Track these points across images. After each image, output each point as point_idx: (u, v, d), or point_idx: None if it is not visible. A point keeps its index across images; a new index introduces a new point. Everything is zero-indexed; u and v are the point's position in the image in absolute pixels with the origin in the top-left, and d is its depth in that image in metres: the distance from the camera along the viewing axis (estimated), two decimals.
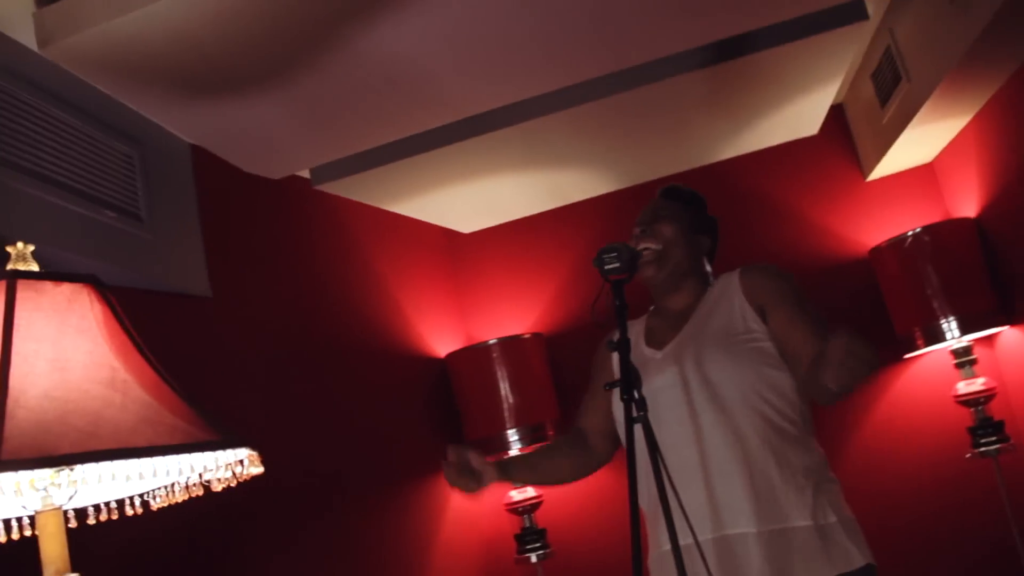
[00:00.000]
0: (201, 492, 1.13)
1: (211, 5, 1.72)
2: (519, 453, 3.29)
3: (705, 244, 2.07)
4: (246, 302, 2.52)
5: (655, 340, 2.01)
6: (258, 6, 1.75)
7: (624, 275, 1.79)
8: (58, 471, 0.97)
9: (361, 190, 2.93)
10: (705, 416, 1.83)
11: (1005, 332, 3.09)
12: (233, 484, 1.08)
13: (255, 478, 2.28)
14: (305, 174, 2.81)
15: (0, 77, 1.81)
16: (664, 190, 2.16)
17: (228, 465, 1.03)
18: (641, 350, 2.00)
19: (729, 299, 1.94)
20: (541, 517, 3.28)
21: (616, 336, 1.72)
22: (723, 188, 3.44)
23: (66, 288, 1.04)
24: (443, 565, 3.04)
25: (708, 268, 2.08)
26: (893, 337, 3.18)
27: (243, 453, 1.04)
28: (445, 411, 3.34)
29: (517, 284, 3.59)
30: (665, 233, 2.00)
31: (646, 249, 1.99)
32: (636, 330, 2.07)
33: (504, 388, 3.25)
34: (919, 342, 3.08)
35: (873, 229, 3.31)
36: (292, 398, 2.57)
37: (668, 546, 1.66)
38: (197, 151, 2.45)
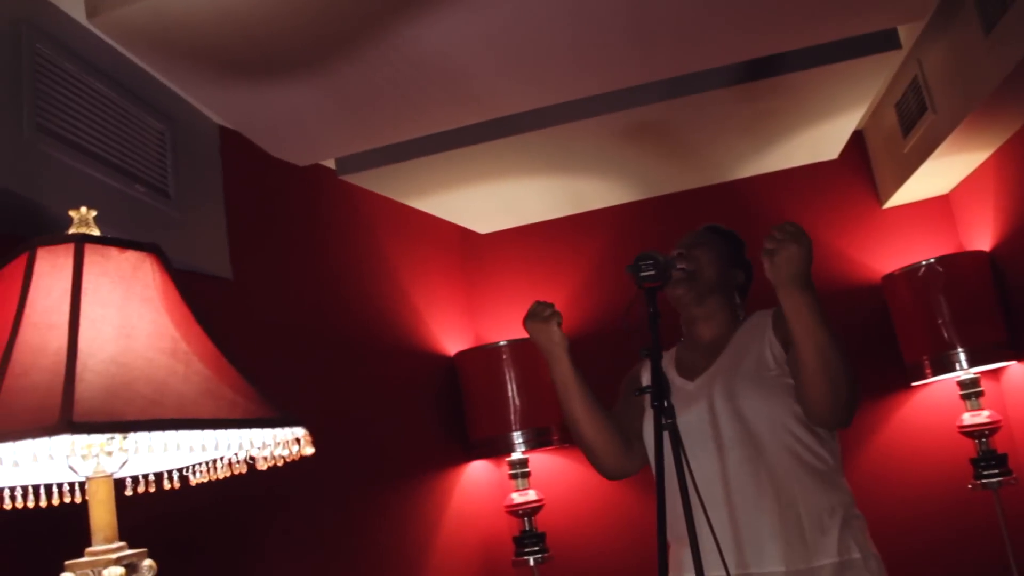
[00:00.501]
0: (245, 470, 1.13)
1: None
2: (520, 456, 3.29)
3: (738, 278, 2.06)
4: (264, 287, 2.52)
5: (686, 370, 2.00)
6: None
7: (658, 283, 1.79)
8: (111, 438, 0.97)
9: (383, 183, 2.94)
10: (733, 452, 1.82)
11: (1012, 367, 3.11)
12: (280, 464, 1.07)
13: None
14: (330, 164, 2.81)
15: (45, 45, 1.80)
16: (706, 226, 2.15)
17: (285, 443, 1.03)
18: (672, 379, 1.98)
19: (761, 335, 1.93)
20: (541, 521, 3.28)
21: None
22: (741, 206, 3.46)
23: (131, 255, 1.03)
24: (441, 563, 3.03)
25: (739, 300, 2.07)
26: (902, 364, 3.20)
27: (300, 432, 1.04)
28: (450, 409, 3.34)
29: (529, 287, 3.60)
30: (700, 257, 2.01)
31: (681, 269, 1.99)
32: (666, 360, 2.04)
33: (512, 390, 3.26)
34: (927, 371, 3.09)
35: (886, 256, 3.34)
36: (301, 386, 2.56)
37: (690, 573, 1.66)
38: (225, 133, 2.45)
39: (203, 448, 0.93)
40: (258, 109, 2.24)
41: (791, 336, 1.75)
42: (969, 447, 3.07)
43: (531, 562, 3.20)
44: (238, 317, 2.40)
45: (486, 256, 3.67)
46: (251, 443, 0.99)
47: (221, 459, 1.14)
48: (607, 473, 2.04)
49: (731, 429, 1.83)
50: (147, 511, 1.53)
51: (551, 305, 1.96)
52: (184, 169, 2.28)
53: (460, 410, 3.35)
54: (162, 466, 1.18)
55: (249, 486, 2.21)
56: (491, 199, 3.28)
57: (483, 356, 3.32)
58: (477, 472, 3.41)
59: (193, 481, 1.18)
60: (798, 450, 1.81)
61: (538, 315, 1.95)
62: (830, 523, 1.78)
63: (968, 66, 2.56)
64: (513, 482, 3.28)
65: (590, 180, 3.28)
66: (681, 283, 1.98)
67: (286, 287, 2.62)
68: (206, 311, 2.27)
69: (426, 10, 1.90)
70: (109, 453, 0.92)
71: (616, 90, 2.59)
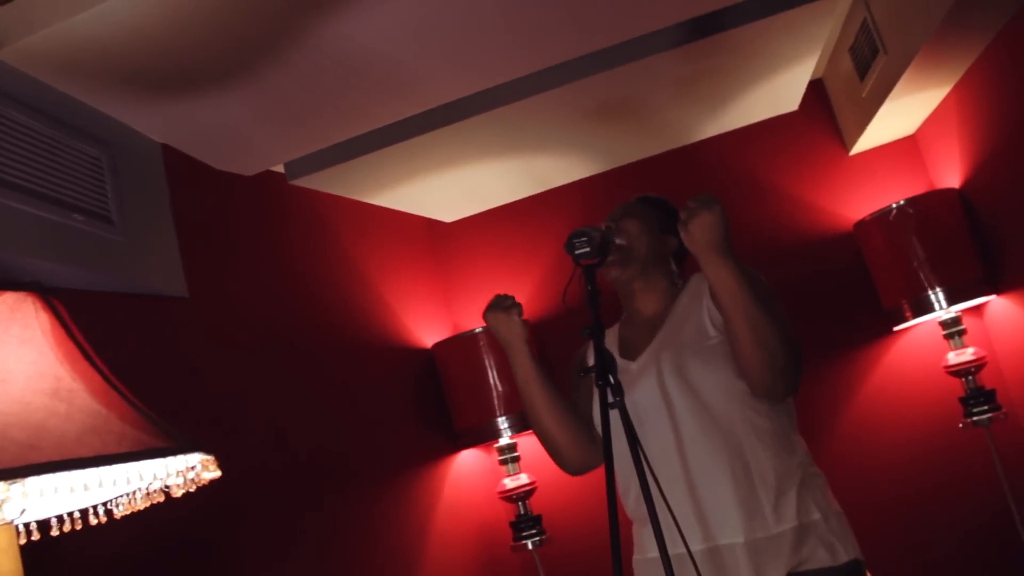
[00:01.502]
0: (162, 499, 1.11)
1: (167, 2, 1.69)
2: (511, 439, 3.28)
3: (672, 244, 2.00)
4: (225, 300, 2.50)
5: (629, 350, 1.96)
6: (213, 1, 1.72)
7: (595, 259, 1.77)
8: (9, 485, 0.96)
9: (338, 183, 2.91)
10: (686, 426, 1.79)
11: (993, 301, 3.07)
12: (192, 489, 1.06)
13: (247, 476, 2.30)
14: (281, 169, 2.78)
15: None
16: (638, 198, 2.11)
17: (179, 472, 1.01)
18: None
19: (699, 302, 1.89)
20: (536, 504, 3.27)
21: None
22: (705, 167, 3.42)
23: (8, 297, 1.01)
24: (440, 556, 3.03)
25: (675, 268, 2.03)
26: (881, 310, 3.17)
27: (195, 459, 1.02)
28: (433, 401, 3.33)
29: (502, 271, 3.57)
30: (630, 229, 1.96)
31: (618, 245, 1.95)
32: (609, 339, 2.02)
33: (492, 376, 3.24)
34: (907, 314, 3.06)
35: (858, 203, 3.29)
36: (278, 395, 2.56)
37: (654, 553, 1.65)
38: (169, 150, 2.42)
39: (85, 487, 0.91)
40: (191, 124, 2.21)
41: (719, 307, 1.73)
42: (957, 386, 3.04)
43: (529, 546, 3.19)
44: (199, 334, 2.38)
45: (455, 244, 3.64)
46: (139, 475, 0.97)
47: (138, 490, 1.12)
48: (568, 467, 1.99)
49: (683, 403, 1.81)
50: (138, 523, 1.56)
51: (511, 297, 1.95)
52: (126, 192, 2.25)
53: (443, 401, 3.34)
54: (84, 503, 1.16)
55: (234, 492, 2.23)
56: (452, 186, 3.25)
57: (460, 345, 3.30)
58: (467, 461, 3.40)
59: (118, 514, 1.17)
60: (750, 416, 1.79)
61: (498, 306, 1.93)
62: (787, 487, 1.76)
63: (912, 4, 2.51)
64: (504, 468, 3.27)
65: (549, 157, 3.25)
66: (613, 264, 1.93)
67: (248, 298, 2.60)
68: (164, 333, 2.27)
69: (341, 5, 1.86)
70: None
71: (560, 65, 2.56)
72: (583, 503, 3.36)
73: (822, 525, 1.74)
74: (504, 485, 3.25)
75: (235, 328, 2.51)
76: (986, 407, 2.95)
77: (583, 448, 1.95)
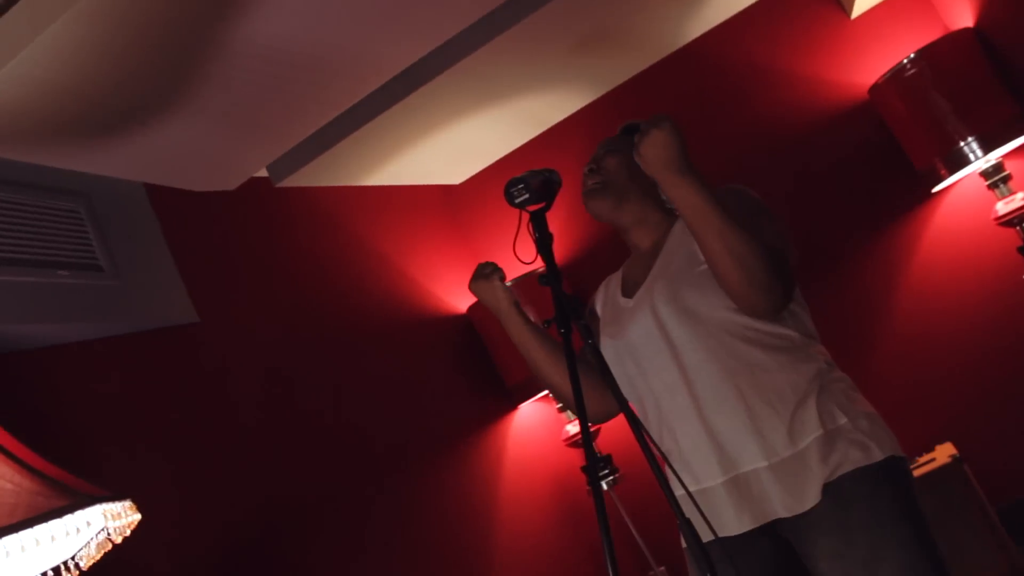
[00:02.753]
0: (109, 547, 1.14)
1: (66, 52, 1.69)
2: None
3: None
4: (240, 315, 2.54)
5: (629, 287, 1.91)
6: (109, 40, 1.71)
7: (541, 203, 1.72)
8: None
9: (326, 174, 2.89)
10: (689, 356, 1.72)
11: None
12: (126, 533, 1.08)
13: (310, 474, 2.37)
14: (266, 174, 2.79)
15: None
16: (622, 127, 2.04)
17: (79, 530, 1.03)
18: (616, 301, 1.92)
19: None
20: (603, 444, 3.25)
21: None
22: (705, 65, 3.28)
23: None
24: (515, 512, 3.05)
25: (666, 196, 1.96)
26: (915, 174, 2.97)
27: (96, 511, 1.04)
28: (481, 363, 3.33)
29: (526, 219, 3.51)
30: (609, 165, 1.90)
31: (594, 183, 1.90)
32: (614, 284, 1.99)
33: None
34: (942, 172, 2.86)
35: (871, 67, 3.08)
36: (321, 391, 2.61)
37: (680, 490, 1.64)
38: (152, 184, 2.45)
39: None
40: (151, 157, 2.22)
41: (689, 229, 1.65)
42: (1013, 237, 2.84)
43: (604, 486, 3.17)
44: (219, 353, 2.43)
45: (472, 204, 3.60)
46: (36, 541, 0.99)
47: (91, 541, 1.15)
48: (590, 419, 1.94)
49: (681, 333, 1.73)
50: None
51: (493, 264, 1.93)
52: (113, 236, 2.29)
53: (490, 361, 3.33)
54: (53, 562, 1.20)
55: (308, 487, 2.33)
56: (447, 149, 3.20)
57: None
58: (528, 415, 3.39)
59: (84, 566, 1.20)
60: (753, 336, 1.70)
61: (480, 275, 1.92)
62: (805, 398, 1.66)
63: None
64: (564, 415, 3.25)
65: (539, 97, 3.15)
66: (593, 195, 1.89)
67: (266, 307, 2.64)
68: (182, 361, 2.33)
69: (240, 10, 1.82)
70: None
71: (511, 1, 2.47)
72: None
73: (849, 428, 1.64)
74: (567, 432, 3.23)
75: (258, 338, 2.55)
76: None
77: (596, 398, 1.89)
